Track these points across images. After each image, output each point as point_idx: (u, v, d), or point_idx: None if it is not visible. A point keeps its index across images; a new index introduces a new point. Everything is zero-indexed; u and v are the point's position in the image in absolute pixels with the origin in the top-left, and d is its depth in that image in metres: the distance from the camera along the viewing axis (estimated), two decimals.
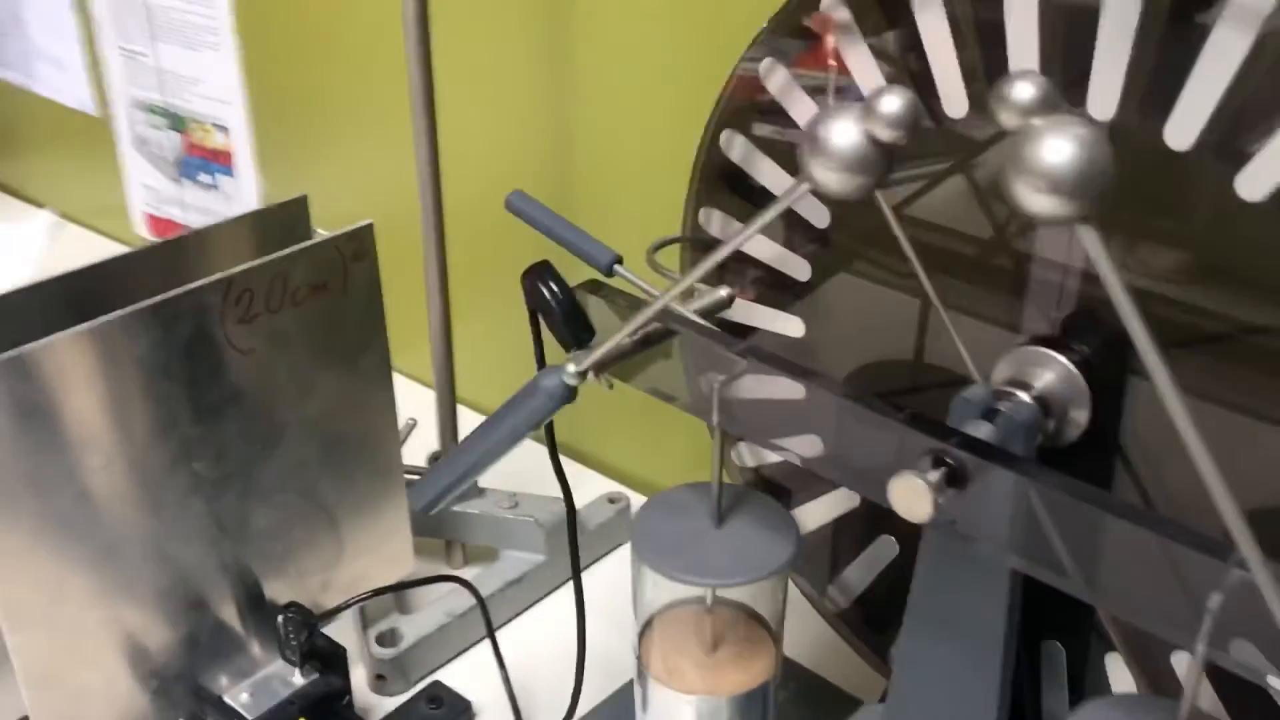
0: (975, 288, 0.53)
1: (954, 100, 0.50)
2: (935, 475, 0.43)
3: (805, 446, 0.49)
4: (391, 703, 0.78)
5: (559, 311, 0.50)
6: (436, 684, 0.79)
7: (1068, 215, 0.33)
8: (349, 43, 1.06)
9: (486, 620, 0.78)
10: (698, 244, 0.62)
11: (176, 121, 1.27)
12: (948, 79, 0.50)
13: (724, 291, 0.57)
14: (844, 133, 0.37)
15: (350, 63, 1.07)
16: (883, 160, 0.37)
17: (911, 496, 0.43)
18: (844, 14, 0.49)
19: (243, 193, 1.23)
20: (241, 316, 0.65)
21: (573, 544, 0.62)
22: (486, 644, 0.78)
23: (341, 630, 0.80)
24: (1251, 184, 0.43)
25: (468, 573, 0.85)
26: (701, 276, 0.44)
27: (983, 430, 0.46)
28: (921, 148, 0.52)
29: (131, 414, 0.62)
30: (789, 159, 0.58)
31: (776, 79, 0.55)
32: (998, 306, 0.52)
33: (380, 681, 0.79)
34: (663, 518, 0.54)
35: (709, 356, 0.49)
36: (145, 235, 1.39)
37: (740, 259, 0.61)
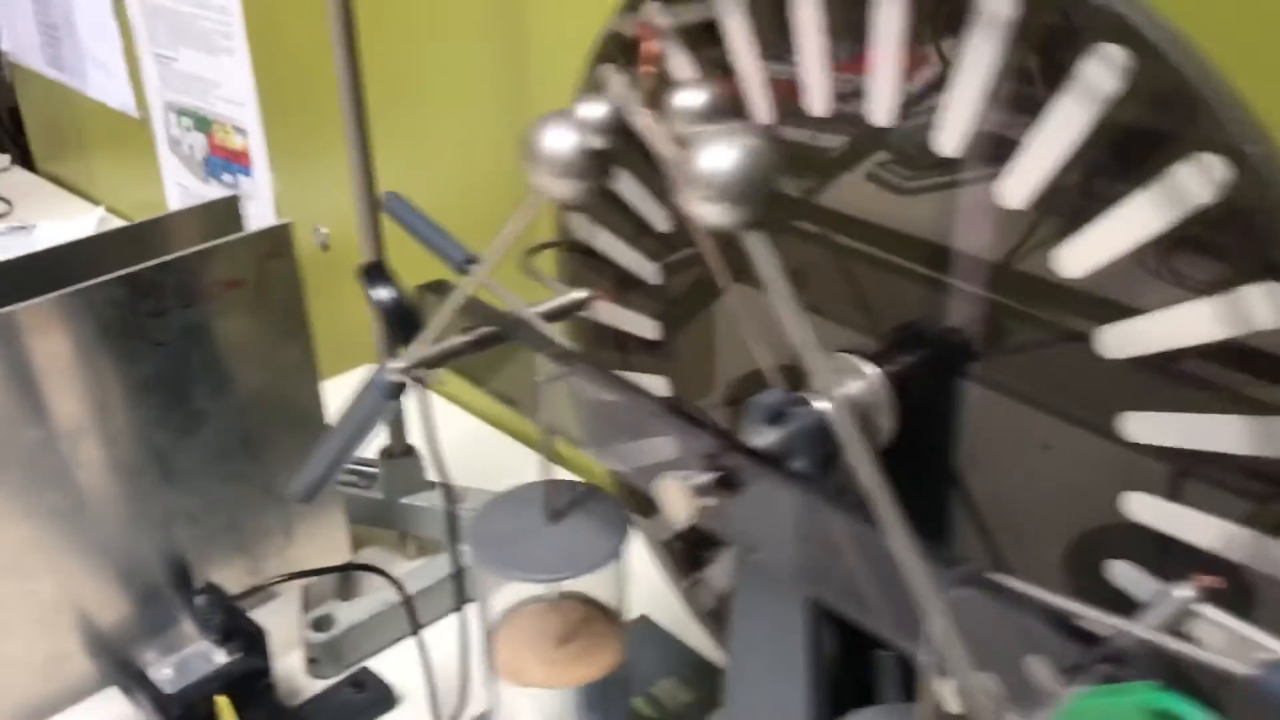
0: (816, 289, 0.53)
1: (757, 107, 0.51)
2: (702, 480, 0.43)
3: (620, 452, 0.50)
4: (320, 685, 0.81)
5: (384, 311, 0.52)
6: (363, 670, 0.81)
7: (734, 223, 0.33)
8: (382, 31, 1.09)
9: (410, 610, 0.80)
10: (574, 248, 0.63)
11: (201, 123, 1.32)
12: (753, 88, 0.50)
13: (579, 294, 0.58)
14: (557, 139, 0.37)
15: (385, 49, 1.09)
16: (598, 165, 0.38)
17: (673, 499, 0.44)
18: (664, 20, 0.50)
19: (259, 192, 1.27)
20: (152, 310, 0.68)
21: (453, 537, 0.63)
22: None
23: (283, 613, 0.83)
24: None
25: (416, 564, 0.87)
26: (447, 319, 0.46)
27: (766, 436, 0.46)
28: None
29: (46, 398, 0.66)
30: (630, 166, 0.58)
31: (615, 86, 0.56)
32: (837, 311, 0.52)
33: (313, 665, 0.82)
34: (501, 517, 0.55)
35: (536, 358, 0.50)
36: None
37: (601, 260, 0.62)
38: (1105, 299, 0.42)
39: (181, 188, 1.41)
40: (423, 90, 1.02)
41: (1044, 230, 0.42)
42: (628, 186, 0.59)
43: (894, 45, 0.43)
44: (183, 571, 0.75)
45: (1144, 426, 0.42)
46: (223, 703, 0.74)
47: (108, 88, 1.45)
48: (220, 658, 0.76)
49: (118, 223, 1.54)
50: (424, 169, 1.05)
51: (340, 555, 0.83)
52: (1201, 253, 0.38)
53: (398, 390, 0.53)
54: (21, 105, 1.71)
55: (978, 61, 0.41)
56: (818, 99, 0.48)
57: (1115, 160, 0.39)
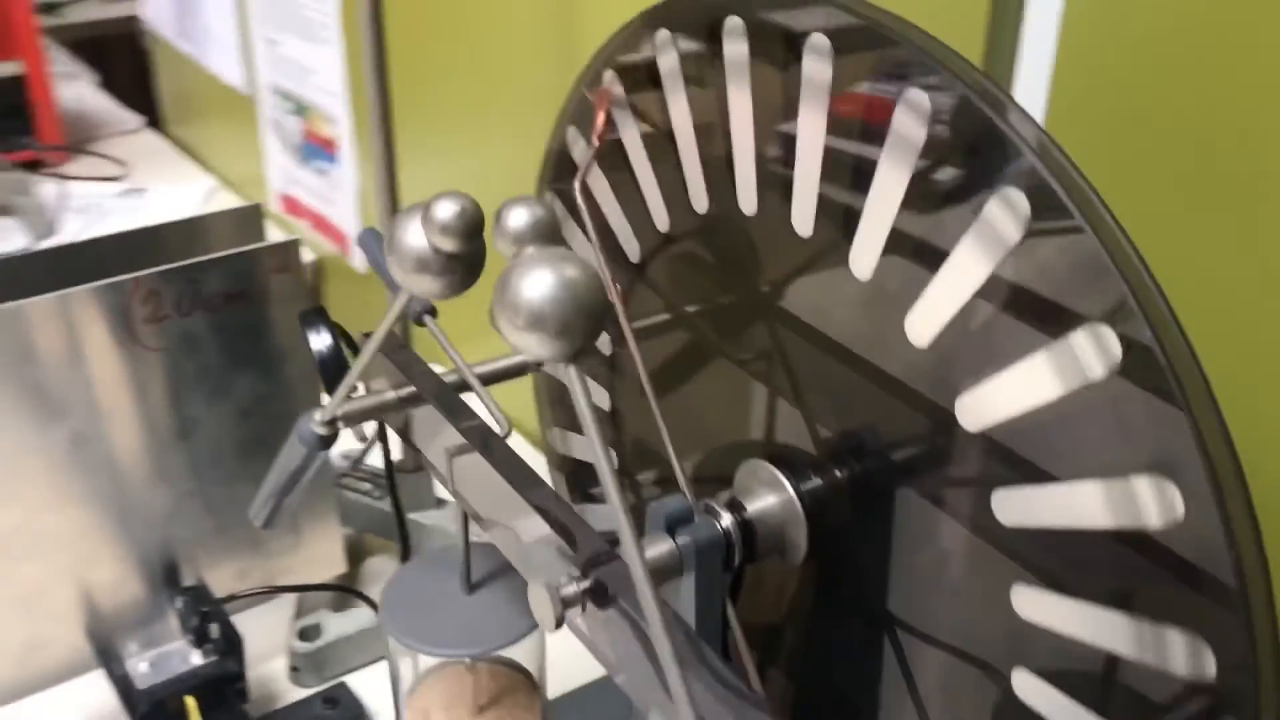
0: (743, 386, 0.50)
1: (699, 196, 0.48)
2: (572, 589, 0.41)
3: (509, 533, 0.48)
4: (298, 694, 0.81)
5: (319, 360, 0.51)
6: (340, 685, 0.81)
7: (548, 355, 0.31)
8: (442, 41, 1.09)
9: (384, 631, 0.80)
10: None
11: (299, 108, 1.34)
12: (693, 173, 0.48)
13: None
14: (412, 234, 0.36)
15: (442, 61, 1.10)
16: (449, 265, 0.36)
17: (541, 605, 0.42)
18: (619, 90, 0.47)
19: (344, 182, 1.29)
20: (149, 317, 0.69)
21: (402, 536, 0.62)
22: None
23: (275, 616, 0.84)
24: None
25: None
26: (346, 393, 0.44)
27: (658, 546, 0.43)
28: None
29: (41, 392, 0.67)
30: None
31: (579, 149, 0.54)
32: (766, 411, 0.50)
33: (295, 673, 0.82)
34: (416, 583, 0.54)
35: (437, 424, 0.48)
36: (278, 211, 1.48)
37: None
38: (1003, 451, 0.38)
39: (280, 168, 1.44)
40: (486, 98, 1.01)
41: (945, 371, 0.39)
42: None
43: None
44: (172, 570, 0.77)
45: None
46: (190, 704, 0.75)
47: (224, 63, 1.49)
48: (196, 659, 0.77)
49: (225, 194, 1.59)
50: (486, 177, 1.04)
51: (335, 566, 0.83)
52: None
53: (326, 442, 0.52)
54: (156, 71, 1.78)
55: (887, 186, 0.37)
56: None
57: (1016, 312, 0.35)
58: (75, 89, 1.89)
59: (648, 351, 0.56)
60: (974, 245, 0.37)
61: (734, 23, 0.43)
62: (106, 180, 1.59)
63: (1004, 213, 0.36)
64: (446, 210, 0.35)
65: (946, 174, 0.38)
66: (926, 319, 0.40)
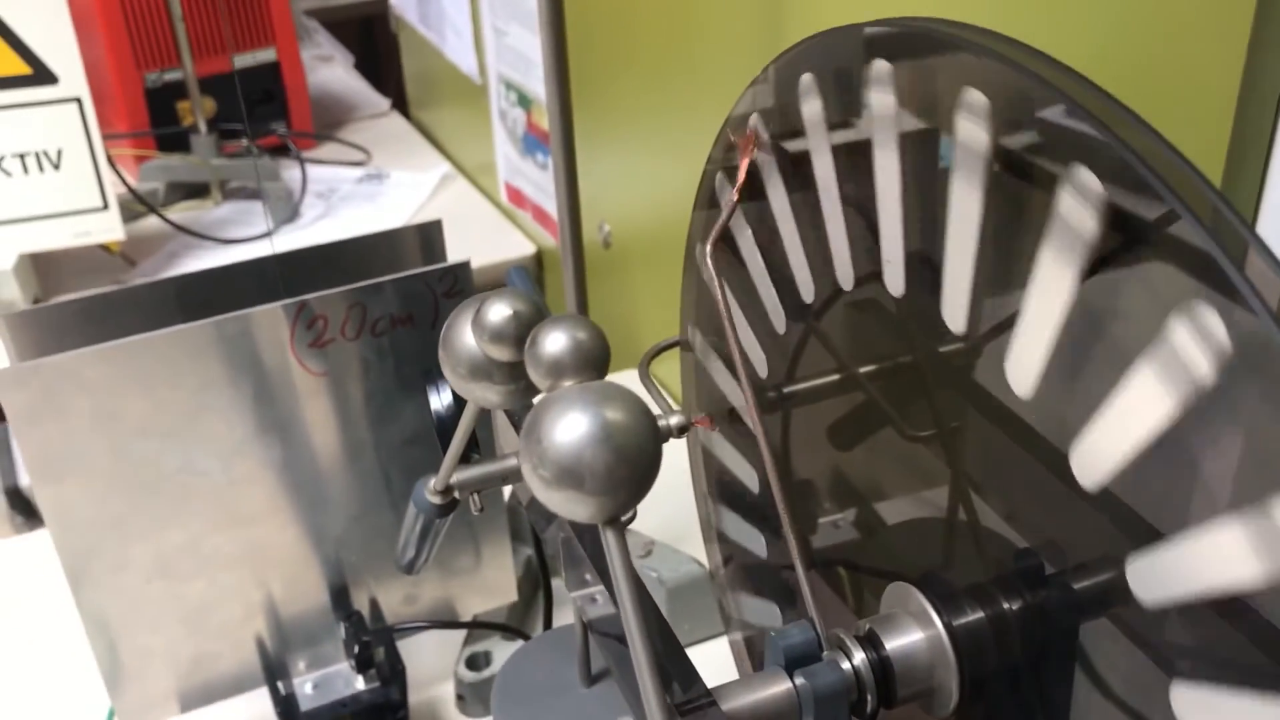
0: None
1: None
2: None
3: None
4: None
5: (435, 418, 0.47)
6: None
7: (582, 516, 0.25)
8: (659, 37, 1.04)
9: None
10: (699, 348, 0.55)
11: (523, 100, 1.32)
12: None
13: (673, 420, 0.50)
14: (466, 335, 0.30)
15: (657, 57, 1.05)
16: (513, 372, 0.30)
17: None
18: (763, 132, 0.41)
19: (559, 178, 1.26)
20: (314, 341, 0.68)
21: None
22: None
23: (443, 644, 0.82)
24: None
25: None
26: None
27: (773, 687, 0.37)
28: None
29: (204, 416, 0.67)
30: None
31: (726, 195, 0.47)
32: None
33: (461, 701, 0.80)
34: (533, 668, 0.49)
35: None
36: (504, 200, 1.47)
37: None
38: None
39: (506, 159, 1.42)
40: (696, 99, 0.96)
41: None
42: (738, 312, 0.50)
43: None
44: (341, 592, 0.75)
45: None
46: None
47: (459, 50, 1.49)
48: (359, 684, 0.76)
49: (460, 180, 1.60)
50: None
51: (506, 595, 0.80)
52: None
53: (444, 510, 0.48)
54: (403, 56, 1.81)
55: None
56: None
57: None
58: (331, 71, 1.95)
59: (792, 437, 0.49)
60: (1158, 379, 0.29)
61: (881, 68, 0.36)
62: (350, 165, 1.63)
63: (1197, 347, 0.28)
64: (498, 314, 0.29)
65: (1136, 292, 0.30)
66: (1096, 457, 0.32)
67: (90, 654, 0.69)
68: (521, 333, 0.29)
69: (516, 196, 1.43)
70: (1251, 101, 0.49)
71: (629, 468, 0.25)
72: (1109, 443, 0.32)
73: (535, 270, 1.43)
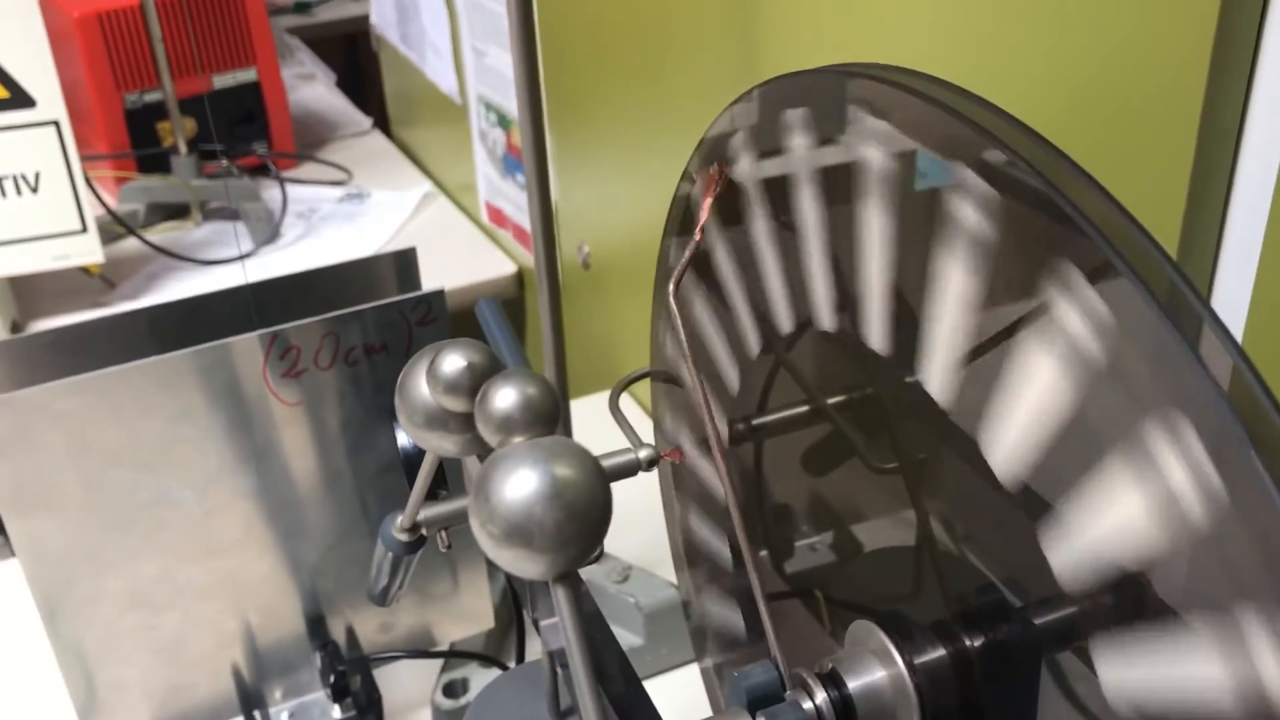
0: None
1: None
2: None
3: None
4: None
5: (401, 455, 0.47)
6: None
7: (531, 574, 0.25)
8: (638, 60, 1.04)
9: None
10: (666, 379, 0.56)
11: (503, 120, 1.32)
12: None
13: (643, 454, 0.50)
14: (416, 385, 0.30)
15: (637, 81, 1.05)
16: (469, 422, 0.30)
17: None
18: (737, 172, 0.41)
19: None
20: (287, 371, 0.67)
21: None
22: None
23: (420, 671, 0.82)
24: None
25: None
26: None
27: None
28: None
29: (180, 447, 0.66)
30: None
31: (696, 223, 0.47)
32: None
33: None
34: (504, 702, 0.49)
35: None
36: (485, 220, 1.47)
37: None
38: None
39: (486, 179, 1.43)
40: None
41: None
42: (709, 335, 0.50)
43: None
44: (317, 621, 0.75)
45: None
46: None
47: (440, 71, 1.49)
48: (335, 713, 0.75)
49: (441, 199, 1.60)
50: None
51: (482, 623, 0.80)
52: None
53: (412, 547, 0.48)
54: (384, 75, 1.81)
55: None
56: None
57: None
58: (313, 89, 1.95)
59: (769, 460, 0.49)
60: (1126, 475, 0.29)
61: (854, 110, 0.36)
62: (331, 184, 1.63)
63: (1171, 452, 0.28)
64: (452, 365, 0.29)
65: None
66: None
67: (64, 686, 0.69)
68: (475, 384, 0.29)
69: (497, 216, 1.43)
70: (1210, 146, 0.49)
71: (579, 524, 0.25)
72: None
73: (516, 290, 1.43)
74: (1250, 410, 0.29)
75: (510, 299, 1.43)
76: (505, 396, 0.27)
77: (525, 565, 0.25)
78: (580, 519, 0.25)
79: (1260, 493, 0.28)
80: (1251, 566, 0.29)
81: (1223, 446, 0.29)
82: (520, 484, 0.25)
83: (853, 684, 0.39)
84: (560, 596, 0.26)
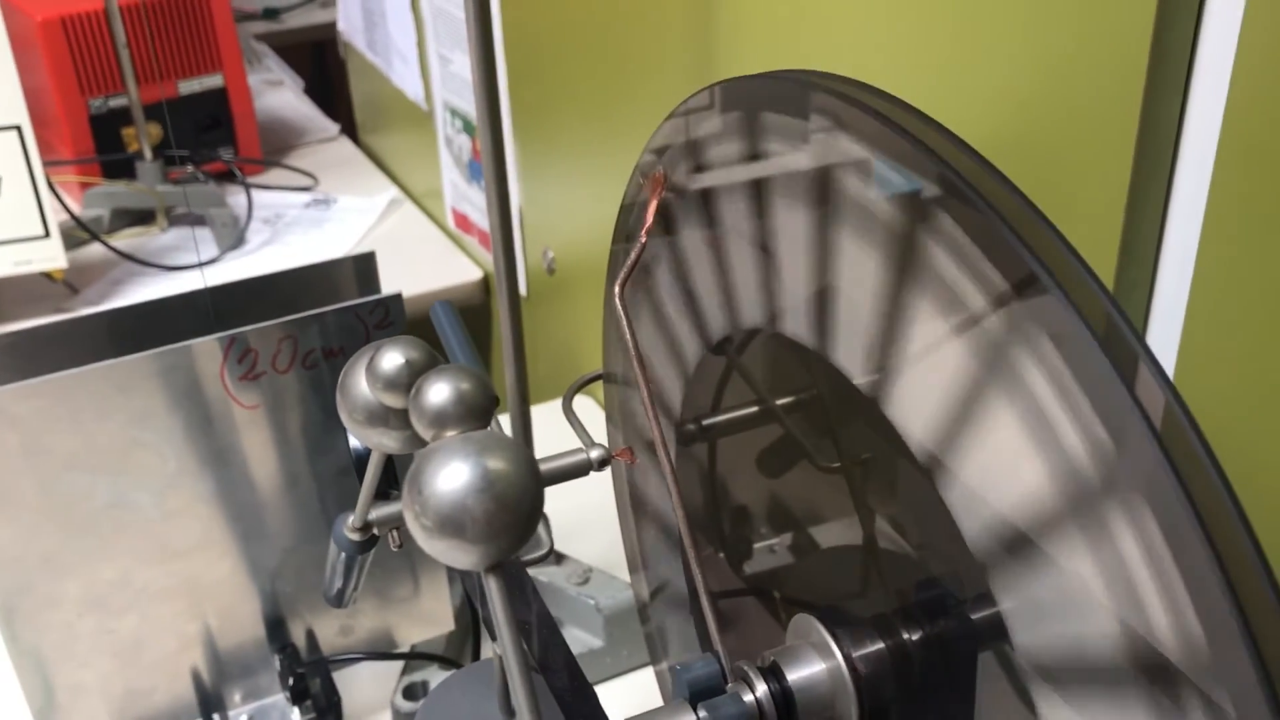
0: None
1: None
2: None
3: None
4: None
5: (353, 456, 0.47)
6: None
7: (464, 564, 0.26)
8: (600, 67, 1.05)
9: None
10: (619, 381, 0.56)
11: (468, 126, 1.33)
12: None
13: (594, 454, 0.51)
14: (357, 382, 0.31)
15: (599, 88, 1.06)
16: (400, 418, 0.31)
17: None
18: (677, 177, 0.42)
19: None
20: (245, 374, 0.68)
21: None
22: None
23: (380, 673, 0.82)
24: None
25: None
26: None
27: (677, 719, 0.38)
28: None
29: (136, 449, 0.67)
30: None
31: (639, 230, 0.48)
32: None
33: None
34: (455, 701, 0.50)
35: None
36: (451, 226, 1.48)
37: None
38: None
39: (452, 185, 1.43)
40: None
41: None
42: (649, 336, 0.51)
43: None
44: (277, 623, 0.76)
45: None
46: None
47: (406, 77, 1.50)
48: (294, 716, 0.76)
49: (408, 205, 1.60)
50: None
51: (442, 626, 0.80)
52: None
53: (364, 546, 0.49)
54: (351, 81, 1.81)
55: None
56: None
57: None
58: (280, 96, 1.95)
59: (724, 463, 0.50)
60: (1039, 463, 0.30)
61: (785, 119, 0.37)
62: (297, 190, 1.63)
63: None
64: (391, 362, 0.30)
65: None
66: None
67: (20, 690, 0.69)
68: (414, 380, 0.30)
69: (463, 222, 1.44)
70: (1146, 159, 0.51)
71: (510, 515, 0.26)
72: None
73: (482, 295, 1.43)
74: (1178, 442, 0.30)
75: (476, 305, 1.43)
76: (439, 391, 0.27)
77: (458, 556, 0.26)
78: (512, 510, 0.26)
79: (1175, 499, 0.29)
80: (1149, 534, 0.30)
81: (1155, 486, 0.30)
82: (452, 476, 0.26)
83: (792, 676, 0.39)
84: (492, 586, 0.26)
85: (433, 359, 0.31)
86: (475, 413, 0.27)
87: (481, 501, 0.26)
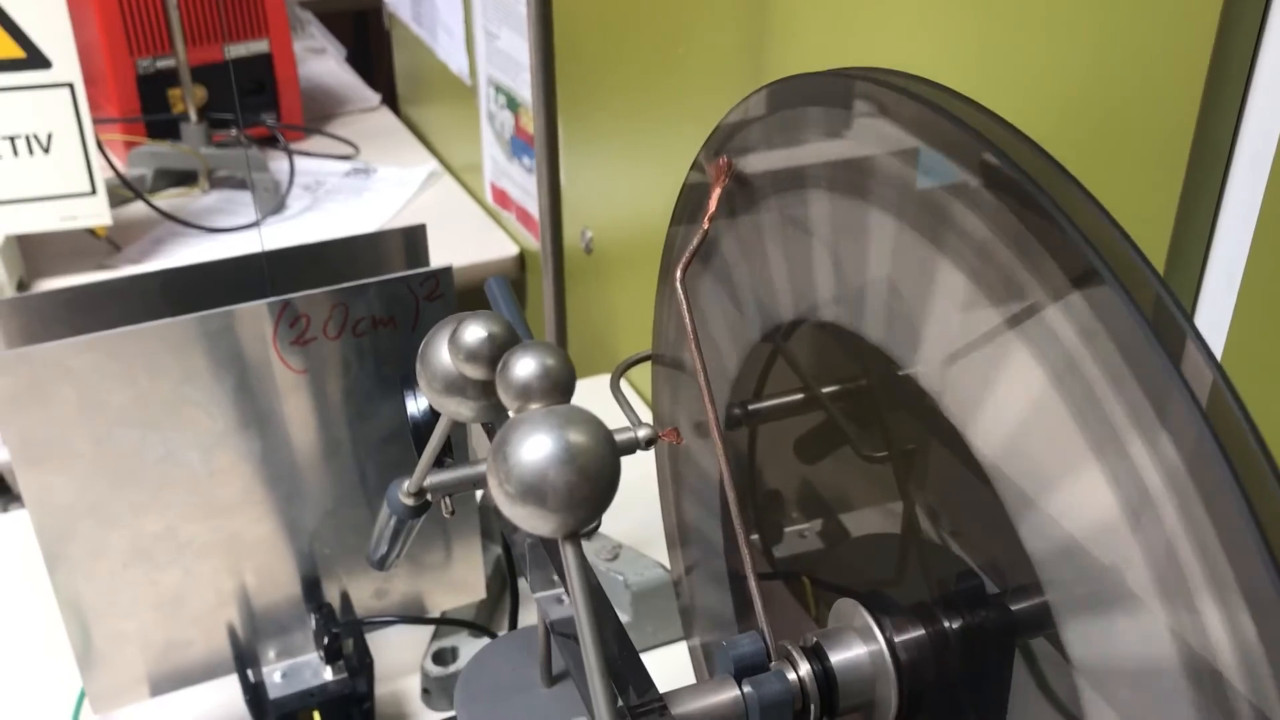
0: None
1: None
2: None
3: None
4: (425, 717, 0.81)
5: (411, 424, 0.49)
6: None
7: (544, 530, 0.27)
8: (647, 47, 1.06)
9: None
10: (669, 363, 0.57)
11: (512, 103, 1.34)
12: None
13: (641, 433, 0.52)
14: (438, 352, 0.32)
15: (645, 68, 1.06)
16: (486, 389, 0.32)
17: None
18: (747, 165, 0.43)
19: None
20: (296, 339, 0.69)
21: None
22: None
23: (412, 637, 0.84)
24: None
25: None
26: None
27: (721, 694, 0.39)
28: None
29: (187, 408, 0.68)
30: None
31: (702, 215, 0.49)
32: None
33: (426, 695, 0.82)
34: (496, 668, 0.51)
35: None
36: (489, 201, 1.49)
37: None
38: None
39: (493, 160, 1.44)
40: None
41: None
42: (712, 312, 0.52)
43: None
44: (313, 584, 0.77)
45: None
46: (316, 719, 0.75)
47: (450, 51, 1.51)
48: (327, 674, 0.77)
49: (446, 178, 1.61)
50: None
51: (474, 594, 0.82)
52: None
53: (417, 511, 0.50)
54: (394, 52, 1.82)
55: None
56: None
57: None
58: (323, 64, 1.97)
59: (761, 448, 0.51)
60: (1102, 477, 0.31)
61: (860, 111, 0.38)
62: (338, 158, 1.64)
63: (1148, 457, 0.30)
64: (474, 335, 0.31)
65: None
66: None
67: (64, 636, 0.71)
68: (495, 354, 0.31)
69: (502, 198, 1.45)
70: (1204, 153, 0.51)
71: (589, 487, 0.27)
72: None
73: (517, 271, 1.45)
74: (1226, 424, 0.31)
75: (512, 281, 1.45)
76: (525, 366, 0.28)
77: (537, 523, 0.27)
78: (591, 482, 0.27)
79: (1230, 499, 0.30)
80: (1217, 564, 0.31)
81: (1198, 457, 0.31)
82: (536, 447, 0.27)
83: (835, 658, 0.41)
84: (569, 554, 0.27)
85: (513, 334, 0.32)
86: (559, 387, 0.28)
87: (563, 473, 0.27)
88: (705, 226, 0.45)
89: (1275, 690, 0.28)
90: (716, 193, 0.44)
